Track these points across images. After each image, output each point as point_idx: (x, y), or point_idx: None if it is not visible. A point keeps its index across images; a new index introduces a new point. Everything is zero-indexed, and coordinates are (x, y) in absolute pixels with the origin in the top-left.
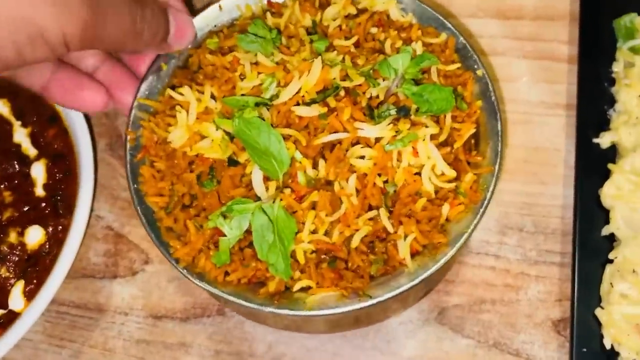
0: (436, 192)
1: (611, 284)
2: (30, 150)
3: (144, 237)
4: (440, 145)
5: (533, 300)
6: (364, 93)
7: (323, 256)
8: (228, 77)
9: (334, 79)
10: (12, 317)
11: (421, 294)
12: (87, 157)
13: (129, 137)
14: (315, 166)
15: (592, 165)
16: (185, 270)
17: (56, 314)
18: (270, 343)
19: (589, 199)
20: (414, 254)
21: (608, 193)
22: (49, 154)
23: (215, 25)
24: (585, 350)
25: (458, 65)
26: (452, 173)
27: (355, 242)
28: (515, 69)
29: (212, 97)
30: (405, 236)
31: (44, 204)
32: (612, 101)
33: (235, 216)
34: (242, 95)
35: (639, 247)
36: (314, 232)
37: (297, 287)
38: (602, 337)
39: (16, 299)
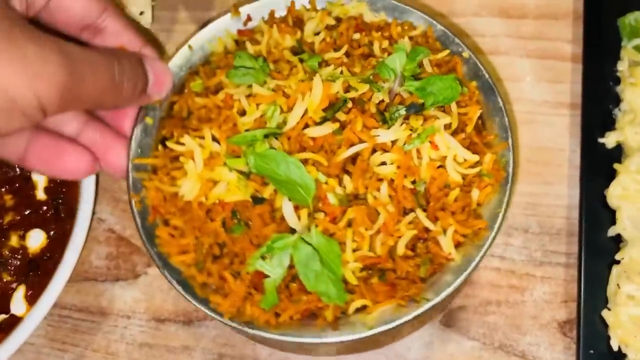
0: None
1: (618, 285)
2: None
3: None
4: (454, 133)
5: (539, 302)
6: (369, 100)
7: (369, 272)
8: (226, 116)
9: (337, 92)
10: (14, 321)
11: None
12: None
13: (134, 202)
14: (340, 183)
15: (598, 165)
16: (234, 322)
17: (58, 318)
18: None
19: (594, 199)
20: (456, 246)
21: (614, 193)
22: None
23: (190, 67)
24: (592, 352)
25: (447, 51)
26: (474, 157)
27: (400, 249)
28: (519, 68)
29: (214, 139)
30: (445, 230)
31: (45, 208)
32: (617, 100)
33: (276, 255)
34: (247, 130)
35: None
36: (355, 250)
37: (352, 308)
38: (609, 338)
39: (18, 304)
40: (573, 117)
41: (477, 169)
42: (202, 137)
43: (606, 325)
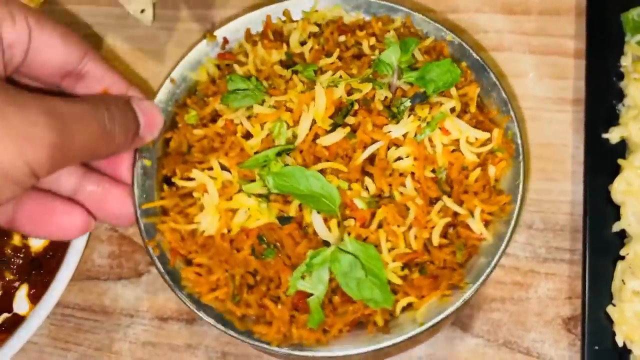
0: None
1: (623, 281)
2: None
3: None
4: (459, 116)
5: (543, 298)
6: (373, 99)
7: (408, 268)
8: (231, 142)
9: (341, 97)
10: (17, 320)
11: None
12: None
13: (151, 249)
14: (362, 186)
15: (602, 161)
16: (284, 349)
17: (61, 317)
18: None
19: (598, 195)
20: (485, 226)
21: (618, 189)
22: None
23: (176, 101)
24: (597, 348)
25: (432, 38)
26: (485, 135)
27: (436, 239)
28: (522, 64)
29: (223, 168)
30: (472, 212)
31: None
32: (621, 96)
33: (315, 271)
34: (256, 153)
35: None
36: (391, 249)
37: (399, 309)
38: (614, 334)
39: (21, 302)
40: (576, 113)
41: (488, 147)
42: (210, 169)
43: (611, 322)
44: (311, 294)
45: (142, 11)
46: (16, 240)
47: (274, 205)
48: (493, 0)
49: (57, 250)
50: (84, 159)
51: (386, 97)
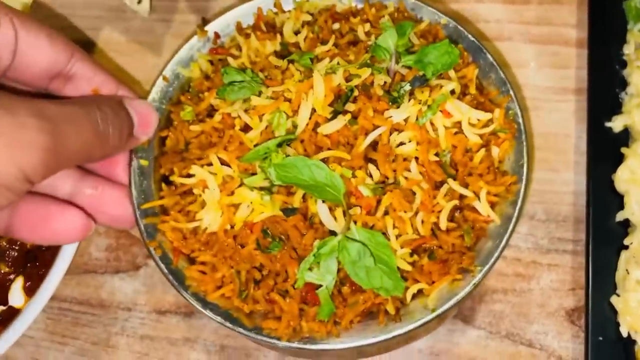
0: None
1: (627, 270)
2: None
3: None
4: (459, 98)
5: (545, 290)
6: (372, 84)
7: (417, 254)
8: (229, 136)
9: (339, 84)
10: (13, 313)
11: None
12: None
13: (153, 250)
14: (366, 173)
15: (605, 150)
16: (296, 343)
17: (58, 311)
18: None
19: (602, 184)
20: (491, 208)
21: (622, 177)
22: None
23: (170, 99)
24: (601, 339)
25: (427, 21)
26: (487, 115)
27: (443, 223)
28: (523, 54)
29: (222, 163)
30: (478, 194)
31: None
32: (623, 84)
33: (322, 261)
34: (256, 145)
35: None
36: (399, 235)
37: (409, 296)
38: (618, 325)
39: (16, 295)
40: (579, 103)
41: (491, 127)
42: (210, 164)
43: (615, 312)
44: (320, 286)
45: (139, 2)
46: None
47: (278, 197)
48: None
49: None
50: (79, 162)
51: (385, 82)
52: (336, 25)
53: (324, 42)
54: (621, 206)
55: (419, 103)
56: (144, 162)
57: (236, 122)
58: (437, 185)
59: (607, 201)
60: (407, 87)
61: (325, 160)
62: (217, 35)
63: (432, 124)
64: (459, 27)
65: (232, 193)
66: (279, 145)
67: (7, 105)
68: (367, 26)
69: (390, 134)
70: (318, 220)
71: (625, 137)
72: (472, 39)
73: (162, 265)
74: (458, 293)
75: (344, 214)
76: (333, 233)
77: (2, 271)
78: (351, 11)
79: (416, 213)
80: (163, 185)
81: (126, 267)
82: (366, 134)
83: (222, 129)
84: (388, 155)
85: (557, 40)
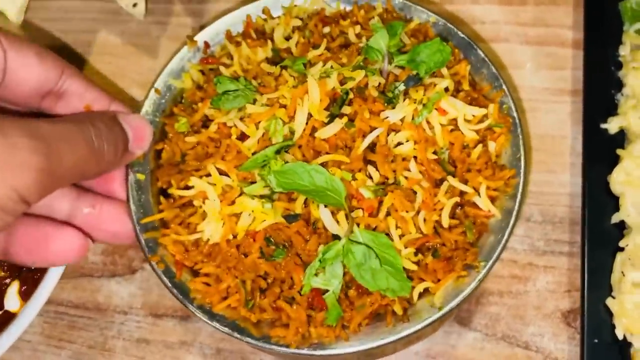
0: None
1: (622, 272)
2: None
3: None
4: (453, 95)
5: (542, 291)
6: (365, 86)
7: (420, 253)
8: (226, 146)
9: (334, 88)
10: (8, 317)
11: None
12: None
13: (155, 265)
14: (366, 174)
15: (600, 152)
16: (305, 350)
17: (54, 314)
18: None
19: (597, 186)
20: (492, 203)
21: (617, 179)
22: None
23: (163, 111)
24: (596, 341)
25: (417, 20)
26: (482, 111)
27: (445, 220)
28: (519, 55)
29: (221, 173)
30: (477, 190)
31: None
32: (619, 85)
33: (328, 266)
34: (254, 153)
35: None
36: (402, 235)
37: (416, 295)
38: (613, 327)
39: (12, 299)
40: (575, 104)
41: (486, 123)
42: (208, 175)
43: (611, 314)
44: (326, 291)
45: (135, 5)
46: None
47: (279, 204)
48: None
49: None
50: (74, 180)
51: (380, 83)
52: (326, 29)
53: (315, 47)
54: (617, 208)
55: (414, 102)
56: (140, 176)
57: (232, 131)
58: (437, 183)
59: (603, 203)
60: (402, 87)
61: (324, 165)
62: (206, 45)
63: (428, 122)
64: (448, 24)
65: (233, 202)
66: (277, 152)
67: None
68: (358, 28)
69: (388, 134)
70: (321, 225)
71: (621, 138)
72: (462, 35)
73: (166, 280)
74: (464, 290)
75: (347, 217)
76: (336, 237)
77: None
78: (340, 14)
79: (418, 212)
80: (161, 198)
81: (122, 271)
82: (364, 136)
83: (218, 139)
84: (387, 156)
85: (554, 41)
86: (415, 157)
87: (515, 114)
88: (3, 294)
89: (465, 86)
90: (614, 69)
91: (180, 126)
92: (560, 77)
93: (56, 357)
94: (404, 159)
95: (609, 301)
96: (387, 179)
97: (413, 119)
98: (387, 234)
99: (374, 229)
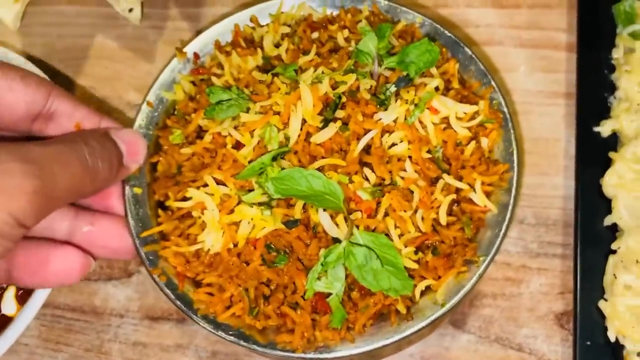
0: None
1: (614, 275)
2: None
3: None
4: (443, 94)
5: (535, 294)
6: (357, 89)
7: (420, 251)
8: (222, 156)
9: (326, 93)
10: (5, 321)
11: None
12: None
13: (157, 277)
14: (363, 176)
15: (593, 154)
16: (311, 354)
17: (51, 318)
18: None
19: (590, 188)
20: (487, 198)
21: (610, 182)
22: None
23: (156, 124)
24: (589, 343)
25: (404, 22)
26: (473, 108)
27: (443, 217)
28: (513, 58)
29: (218, 183)
30: (473, 186)
31: None
32: (612, 88)
33: (330, 269)
34: (250, 161)
35: None
36: (401, 235)
37: (418, 293)
38: (606, 329)
39: (8, 303)
40: (568, 107)
41: (477, 119)
42: (205, 185)
43: (603, 317)
44: (329, 294)
45: (130, 10)
46: None
47: (278, 211)
48: None
49: None
50: (71, 200)
51: (371, 86)
52: (315, 34)
53: (305, 53)
54: (609, 210)
55: (406, 103)
56: (137, 190)
57: (227, 141)
58: (433, 182)
59: (595, 205)
60: (393, 89)
61: (321, 169)
62: (196, 56)
63: (420, 122)
64: (434, 23)
65: (232, 211)
66: (274, 159)
67: None
68: (346, 32)
69: (382, 136)
70: (321, 229)
71: (613, 141)
72: (449, 34)
73: (169, 292)
74: (465, 285)
75: (346, 220)
76: (337, 240)
77: None
78: (328, 19)
79: (415, 211)
80: (160, 211)
81: (119, 274)
82: (358, 139)
83: (213, 149)
84: (382, 157)
85: (548, 44)
86: (410, 157)
87: (505, 109)
88: (0, 298)
89: (455, 84)
90: (607, 72)
91: (175, 138)
92: (554, 80)
93: None
94: (399, 160)
95: (602, 303)
96: (384, 180)
97: (406, 119)
98: (387, 234)
99: (373, 230)
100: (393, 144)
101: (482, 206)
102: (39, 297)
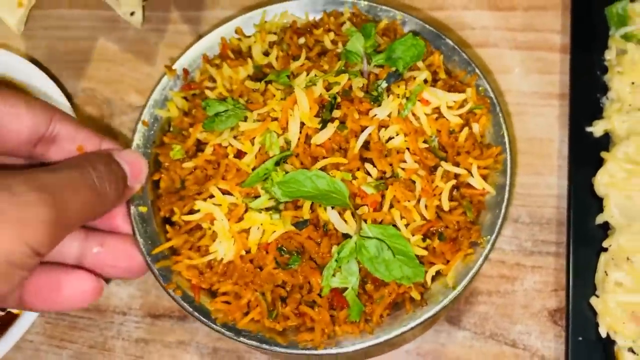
0: None
1: (606, 272)
2: None
3: None
4: (431, 85)
5: (529, 291)
6: (350, 88)
7: (427, 240)
8: (225, 166)
9: (321, 94)
10: (10, 318)
11: None
12: None
13: (173, 292)
14: (365, 172)
15: (586, 154)
16: (334, 349)
17: (56, 315)
18: None
19: (582, 187)
20: (484, 180)
21: (601, 181)
22: None
23: (153, 142)
24: (581, 339)
25: (385, 21)
26: (461, 96)
27: (445, 203)
28: (508, 60)
29: (224, 193)
30: (470, 171)
31: None
32: (604, 89)
33: (343, 265)
34: (254, 169)
35: (633, 235)
36: (407, 225)
37: (429, 279)
38: (597, 325)
39: None
40: (563, 108)
41: (467, 107)
42: (212, 196)
43: (595, 313)
44: (345, 289)
45: (132, 14)
46: None
47: (287, 214)
48: None
49: None
50: (82, 223)
51: (363, 84)
52: (302, 40)
53: (295, 58)
54: (601, 209)
55: (398, 97)
56: (142, 209)
57: (229, 151)
58: (432, 170)
59: (588, 204)
60: (384, 85)
61: (324, 169)
62: (186, 72)
63: (414, 114)
64: (414, 19)
65: (241, 219)
66: (277, 163)
67: (6, 184)
68: (332, 35)
69: (379, 131)
70: (331, 227)
71: (605, 141)
72: (430, 28)
73: (186, 305)
74: (473, 267)
75: (353, 215)
76: (346, 236)
77: None
78: (312, 24)
79: (419, 200)
80: (167, 227)
81: None
82: (356, 136)
83: (215, 160)
84: (381, 152)
85: (542, 46)
86: (408, 149)
87: (491, 94)
88: None
89: (442, 75)
90: (600, 73)
91: (176, 154)
92: (548, 81)
93: (57, 356)
94: (398, 152)
95: (593, 300)
96: (385, 173)
97: (399, 113)
98: (394, 225)
99: (381, 222)
100: (390, 138)
101: (481, 189)
102: None
